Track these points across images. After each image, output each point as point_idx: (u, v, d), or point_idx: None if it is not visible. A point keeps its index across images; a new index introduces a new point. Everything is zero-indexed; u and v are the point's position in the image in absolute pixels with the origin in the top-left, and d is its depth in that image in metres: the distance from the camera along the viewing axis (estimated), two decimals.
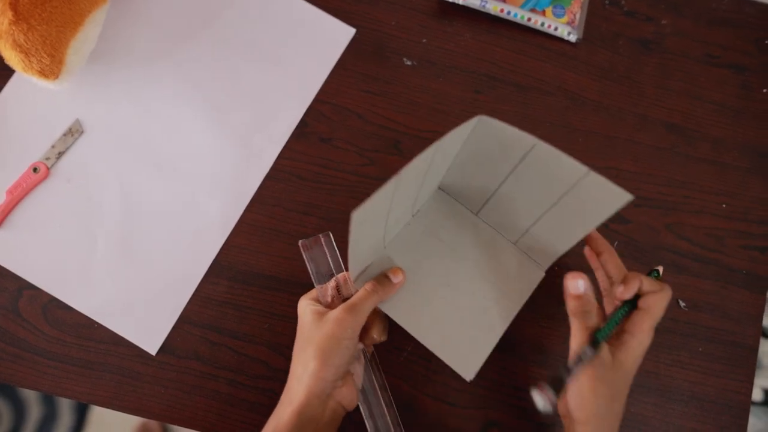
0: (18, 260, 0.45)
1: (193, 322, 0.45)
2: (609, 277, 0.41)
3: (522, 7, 0.50)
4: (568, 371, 0.35)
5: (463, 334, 0.42)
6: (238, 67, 0.49)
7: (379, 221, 0.38)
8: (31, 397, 0.94)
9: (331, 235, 0.43)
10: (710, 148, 0.51)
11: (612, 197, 0.37)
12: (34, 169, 0.46)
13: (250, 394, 0.44)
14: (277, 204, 0.48)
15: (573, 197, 0.39)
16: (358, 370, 0.40)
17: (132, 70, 0.49)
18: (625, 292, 0.38)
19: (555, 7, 0.51)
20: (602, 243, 0.42)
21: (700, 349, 0.47)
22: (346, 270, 0.41)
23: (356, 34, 0.50)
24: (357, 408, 0.41)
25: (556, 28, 0.50)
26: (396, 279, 0.40)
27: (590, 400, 0.36)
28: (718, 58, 0.53)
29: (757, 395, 0.92)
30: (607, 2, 0.53)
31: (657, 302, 0.37)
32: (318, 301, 0.40)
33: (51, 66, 0.42)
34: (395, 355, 0.45)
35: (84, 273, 0.45)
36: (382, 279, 0.40)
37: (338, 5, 0.51)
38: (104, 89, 0.48)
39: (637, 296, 0.38)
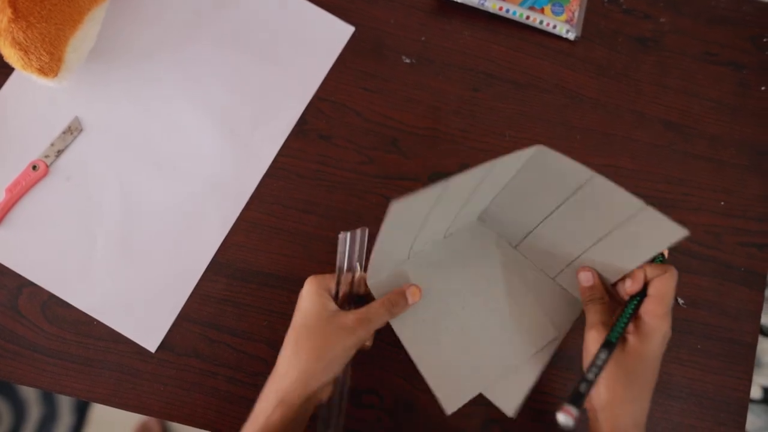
0: (17, 258, 0.45)
1: (192, 320, 0.45)
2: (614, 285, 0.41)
3: (521, 5, 0.50)
4: (587, 383, 0.35)
5: (496, 367, 0.42)
6: (237, 65, 0.49)
7: (413, 225, 0.38)
8: (30, 397, 0.94)
9: (367, 231, 0.42)
10: (708, 146, 0.51)
11: (666, 232, 0.36)
12: (34, 167, 0.46)
13: (249, 391, 0.44)
14: (275, 202, 0.48)
15: (623, 231, 0.38)
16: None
17: (131, 68, 0.49)
18: (632, 286, 0.38)
19: (554, 5, 0.51)
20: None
21: (699, 346, 0.47)
22: (364, 269, 0.41)
23: (355, 32, 0.50)
24: None
25: (554, 26, 0.51)
26: (412, 300, 0.40)
27: (607, 385, 0.36)
28: (716, 55, 0.53)
29: (756, 393, 0.92)
30: (605, 0, 0.53)
31: (664, 284, 0.37)
32: (328, 289, 0.39)
33: (50, 64, 0.42)
34: (395, 354, 0.45)
35: (83, 270, 0.45)
36: (399, 298, 0.39)
37: (337, 3, 0.51)
38: (103, 87, 0.48)
39: (646, 285, 0.39)
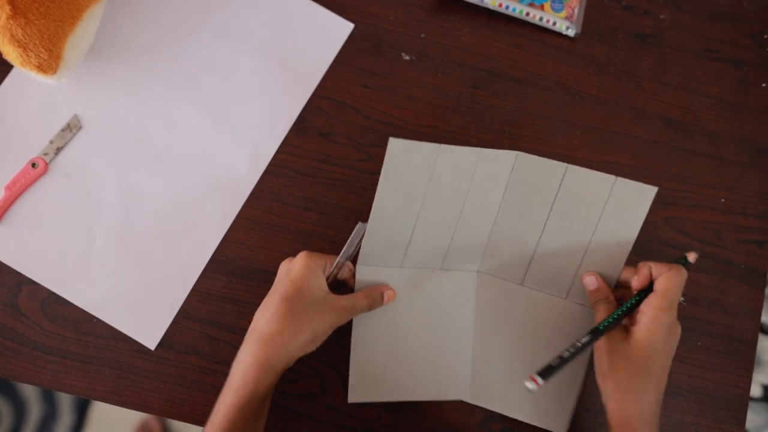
0: (17, 255, 0.45)
1: (191, 317, 0.45)
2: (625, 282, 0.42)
3: (521, 1, 0.50)
4: (561, 359, 0.37)
5: (430, 389, 0.44)
6: (237, 62, 0.49)
7: (408, 201, 0.41)
8: (31, 395, 0.94)
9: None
10: (708, 143, 0.51)
11: (641, 196, 0.41)
12: (33, 165, 0.46)
13: None
14: (275, 199, 0.48)
15: (608, 214, 0.42)
16: None
17: (130, 65, 0.49)
18: (637, 281, 0.40)
19: (553, 1, 0.51)
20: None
21: (699, 344, 0.47)
22: (353, 262, 0.42)
23: (354, 29, 0.50)
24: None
25: (554, 23, 0.51)
26: (387, 300, 0.42)
27: (608, 375, 0.38)
28: (716, 52, 0.53)
29: (755, 391, 0.92)
30: None
31: (668, 280, 0.38)
32: (323, 269, 0.40)
33: (49, 61, 0.42)
34: None
35: (83, 268, 0.45)
36: (378, 295, 0.42)
37: (337, 0, 0.51)
38: (102, 85, 0.48)
39: (653, 282, 0.40)
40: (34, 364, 0.44)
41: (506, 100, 0.50)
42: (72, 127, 0.47)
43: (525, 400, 0.44)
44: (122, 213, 0.46)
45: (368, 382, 0.43)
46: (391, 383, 0.43)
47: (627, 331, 0.39)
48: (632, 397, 0.37)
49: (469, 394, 0.44)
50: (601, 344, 0.39)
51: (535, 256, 0.44)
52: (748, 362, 0.47)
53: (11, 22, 0.40)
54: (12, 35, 0.40)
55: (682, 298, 0.48)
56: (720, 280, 0.48)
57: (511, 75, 0.51)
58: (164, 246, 0.46)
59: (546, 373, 0.36)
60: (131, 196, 0.47)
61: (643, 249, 0.48)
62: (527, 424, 0.44)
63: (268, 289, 0.46)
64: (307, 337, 0.38)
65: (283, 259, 0.46)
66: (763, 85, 0.52)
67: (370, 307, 0.41)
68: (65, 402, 0.94)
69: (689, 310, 0.48)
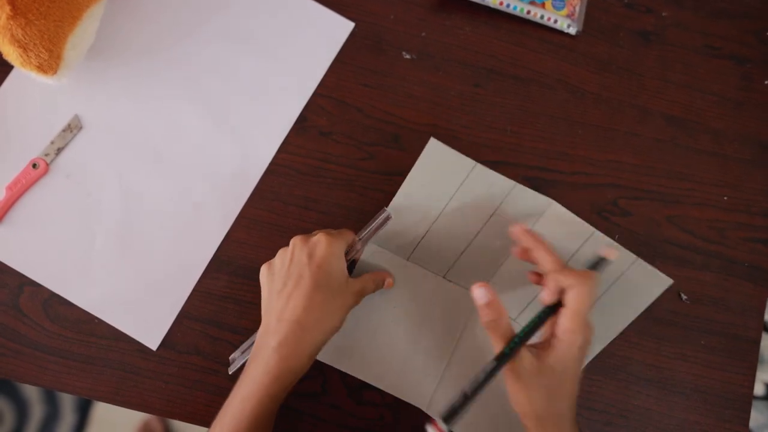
0: (18, 256, 0.45)
1: (193, 317, 0.45)
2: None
3: None
4: (465, 397, 0.34)
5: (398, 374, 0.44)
6: (237, 62, 0.49)
7: (430, 207, 0.43)
8: (33, 396, 0.94)
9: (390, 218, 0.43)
10: (711, 140, 0.51)
11: (652, 282, 0.43)
12: (34, 165, 0.46)
13: None
14: (276, 198, 0.47)
15: (619, 288, 0.43)
16: None
17: (130, 65, 0.48)
18: (547, 297, 0.36)
19: None
20: (527, 239, 0.40)
21: (702, 342, 0.47)
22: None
23: (355, 27, 0.50)
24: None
25: (555, 21, 0.50)
26: (386, 287, 0.44)
27: (525, 404, 0.35)
28: (718, 49, 0.52)
29: (759, 390, 0.92)
30: None
31: (579, 296, 0.35)
32: (345, 252, 0.40)
33: (49, 61, 0.42)
34: None
35: (84, 268, 0.45)
36: (380, 281, 0.43)
37: None
38: (103, 85, 0.48)
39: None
40: (36, 364, 0.44)
41: (508, 99, 0.50)
42: (73, 128, 0.47)
43: (486, 422, 0.42)
44: (123, 213, 0.46)
45: (339, 350, 0.44)
46: (359, 361, 0.44)
47: (537, 356, 0.35)
48: (550, 421, 0.35)
49: (426, 404, 0.44)
50: (512, 377, 0.35)
51: (534, 302, 0.44)
52: (751, 361, 0.47)
53: (11, 23, 0.40)
54: (12, 35, 0.40)
55: (685, 297, 0.48)
56: (724, 279, 0.48)
57: (513, 73, 0.51)
58: (165, 246, 0.46)
59: (450, 416, 0.33)
60: (132, 196, 0.47)
61: (647, 248, 0.48)
62: None
63: None
64: (338, 323, 0.38)
65: None
66: (766, 82, 0.52)
67: (374, 291, 0.42)
68: (67, 402, 0.94)
69: (693, 309, 0.47)
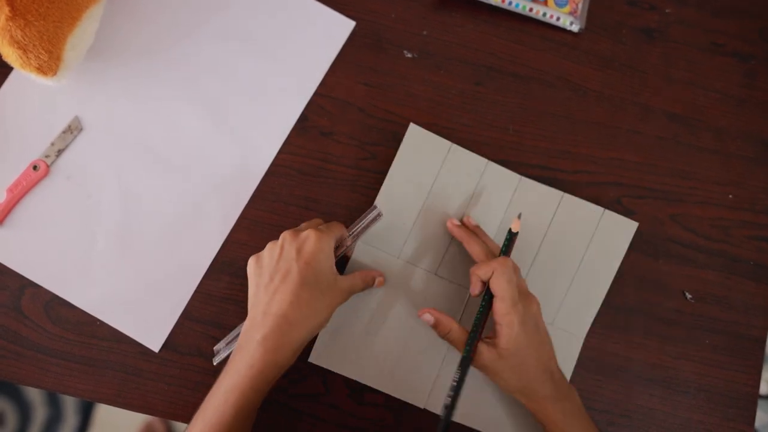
0: (19, 258, 0.45)
1: (195, 319, 0.45)
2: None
3: None
4: (447, 408, 0.38)
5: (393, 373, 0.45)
6: (237, 62, 0.49)
7: (416, 195, 0.45)
8: (36, 398, 0.94)
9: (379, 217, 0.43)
10: (714, 138, 0.50)
11: (623, 230, 0.46)
12: (34, 167, 0.46)
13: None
14: (277, 199, 0.47)
15: (596, 245, 0.46)
16: None
17: (130, 66, 0.48)
18: (473, 291, 0.41)
19: None
20: (458, 233, 0.44)
21: (707, 341, 0.47)
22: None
23: (356, 26, 0.50)
24: None
25: (558, 18, 0.50)
26: (377, 285, 0.44)
27: (503, 386, 0.40)
28: (722, 46, 0.52)
29: (764, 389, 0.92)
30: None
31: (497, 282, 0.39)
32: (333, 250, 0.40)
33: (49, 62, 0.42)
34: None
35: (86, 270, 0.45)
36: (370, 280, 0.43)
37: None
38: (102, 86, 0.48)
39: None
40: (38, 367, 0.44)
41: (509, 97, 0.50)
42: (73, 129, 0.47)
43: (486, 406, 0.44)
44: (124, 215, 0.46)
45: (332, 351, 0.44)
46: (353, 361, 0.44)
47: (493, 345, 0.39)
48: (532, 393, 0.39)
49: (424, 402, 0.44)
50: (482, 370, 0.40)
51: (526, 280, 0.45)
52: (756, 360, 0.46)
53: (11, 24, 0.40)
54: (11, 37, 0.40)
55: (690, 295, 0.47)
56: (728, 277, 0.48)
57: (514, 71, 0.50)
58: (167, 248, 0.46)
59: (443, 429, 0.37)
60: (133, 197, 0.46)
61: (651, 247, 0.48)
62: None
63: None
64: (324, 320, 0.38)
65: None
66: None
67: (363, 290, 0.42)
68: (70, 404, 0.94)
69: (697, 308, 0.47)
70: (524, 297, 0.40)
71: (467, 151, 0.46)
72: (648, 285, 0.47)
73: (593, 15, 0.51)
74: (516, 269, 0.41)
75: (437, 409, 0.43)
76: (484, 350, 0.39)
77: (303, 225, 0.43)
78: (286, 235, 0.40)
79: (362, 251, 0.45)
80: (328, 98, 0.49)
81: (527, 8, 0.50)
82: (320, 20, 0.50)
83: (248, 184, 0.47)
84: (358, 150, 0.48)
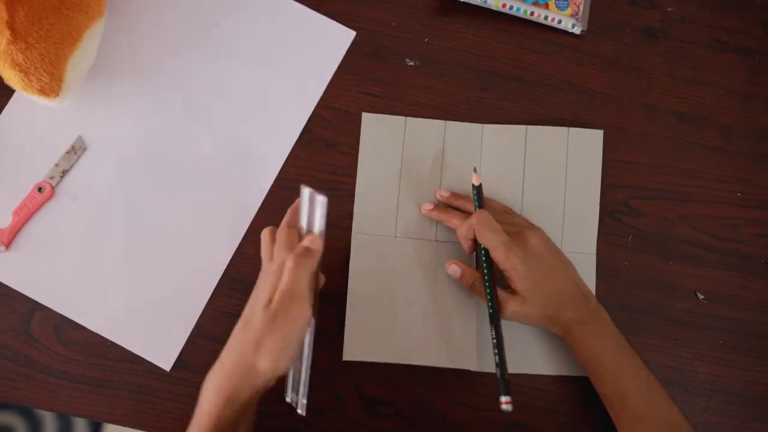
0: (28, 281, 0.45)
1: (206, 336, 0.45)
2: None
3: (525, 1, 0.49)
4: (500, 366, 0.39)
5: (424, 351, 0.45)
6: (239, 76, 0.49)
7: (390, 176, 0.46)
8: (46, 414, 0.94)
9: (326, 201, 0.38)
10: (720, 136, 0.50)
11: (592, 140, 0.48)
12: (39, 189, 0.46)
13: (267, 405, 0.44)
14: (285, 213, 0.47)
15: (573, 164, 0.48)
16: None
17: (131, 83, 0.48)
18: (466, 249, 0.43)
19: None
20: (435, 215, 0.45)
21: (721, 341, 0.46)
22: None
23: (356, 36, 0.50)
24: None
25: (560, 21, 0.50)
26: (321, 285, 0.41)
27: (536, 322, 0.42)
28: (725, 43, 0.52)
29: None
30: None
31: (481, 236, 0.41)
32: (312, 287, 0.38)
33: (51, 84, 0.42)
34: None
35: (95, 291, 0.45)
36: (315, 284, 0.39)
37: (337, 8, 0.50)
38: (104, 104, 0.48)
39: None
40: (49, 390, 0.44)
41: (515, 102, 0.49)
42: (77, 149, 0.47)
43: (528, 356, 0.45)
44: (131, 234, 0.46)
45: (363, 342, 0.44)
46: (388, 345, 0.44)
47: (512, 292, 0.41)
48: (561, 317, 0.40)
49: (476, 363, 0.44)
50: (513, 318, 0.41)
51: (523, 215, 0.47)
52: None
53: (11, 47, 0.39)
54: (13, 60, 0.40)
55: (702, 296, 0.47)
56: (740, 276, 0.47)
57: (519, 76, 0.50)
58: (175, 265, 0.45)
59: (504, 388, 0.39)
60: (139, 216, 0.46)
61: (660, 247, 0.48)
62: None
63: None
64: (296, 353, 0.37)
65: None
66: None
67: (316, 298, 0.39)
68: (80, 421, 0.94)
69: (709, 308, 0.47)
70: (518, 235, 0.41)
71: (423, 119, 0.47)
72: (659, 287, 0.47)
73: (595, 16, 0.51)
74: (504, 211, 0.44)
75: (486, 368, 0.44)
76: (507, 299, 0.41)
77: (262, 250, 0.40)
78: (268, 263, 0.38)
79: (360, 240, 0.46)
80: (331, 109, 0.49)
81: (528, 12, 0.49)
82: (320, 31, 0.49)
83: (255, 198, 0.47)
84: None
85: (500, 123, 0.49)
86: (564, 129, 0.48)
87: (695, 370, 0.46)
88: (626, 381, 0.39)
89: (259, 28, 0.49)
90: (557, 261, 0.42)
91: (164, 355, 0.44)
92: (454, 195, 0.46)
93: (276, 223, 0.47)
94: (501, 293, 0.41)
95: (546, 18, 0.50)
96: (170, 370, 0.44)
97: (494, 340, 0.40)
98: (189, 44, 0.49)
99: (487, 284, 0.41)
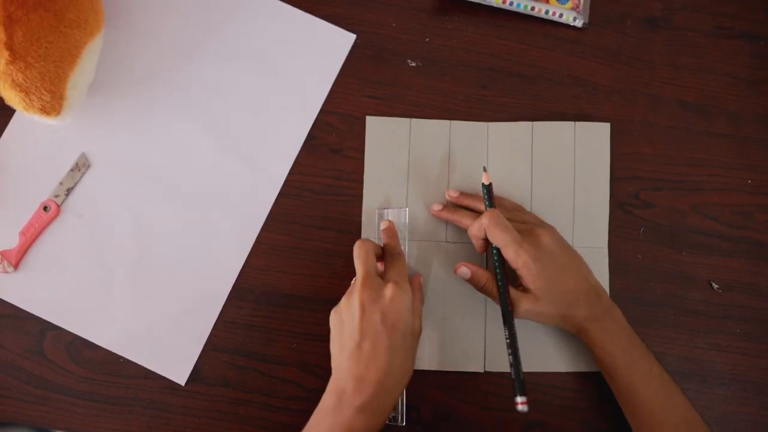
0: (38, 301, 0.45)
1: (219, 348, 0.45)
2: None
3: None
4: (514, 366, 0.39)
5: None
6: (240, 84, 0.48)
7: (398, 179, 0.46)
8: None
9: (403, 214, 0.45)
10: (728, 123, 0.49)
11: (599, 134, 0.48)
12: (45, 208, 0.45)
13: (284, 416, 0.44)
14: (292, 221, 0.47)
15: (581, 158, 0.47)
16: None
17: (132, 96, 0.48)
18: (478, 249, 0.43)
19: None
20: (444, 215, 0.45)
21: (738, 330, 0.46)
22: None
23: (357, 39, 0.49)
24: None
25: (560, 15, 0.49)
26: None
27: (550, 321, 0.42)
28: (728, 29, 0.51)
29: None
30: None
31: (492, 235, 0.40)
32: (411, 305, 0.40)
33: (52, 102, 0.42)
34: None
35: (105, 308, 0.45)
36: (419, 290, 0.42)
37: (337, 12, 0.49)
38: (106, 120, 0.47)
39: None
40: (64, 409, 0.44)
41: (517, 98, 0.49)
42: (80, 166, 0.46)
43: (542, 354, 0.45)
44: (139, 249, 0.46)
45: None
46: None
47: (525, 290, 0.40)
48: (574, 314, 0.40)
49: (483, 366, 0.44)
50: (526, 317, 0.41)
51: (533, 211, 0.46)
52: None
53: (11, 67, 0.39)
54: (13, 80, 0.40)
55: (716, 285, 0.47)
56: (754, 264, 0.47)
57: (520, 71, 0.50)
58: (185, 278, 0.45)
59: (519, 388, 0.38)
60: (147, 230, 0.46)
61: (673, 238, 0.47)
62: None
63: (294, 313, 0.45)
64: (412, 370, 0.39)
65: (306, 282, 0.45)
66: None
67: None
68: None
69: (724, 297, 0.47)
70: (529, 233, 0.40)
71: (428, 120, 0.47)
72: (673, 278, 0.47)
73: (596, 9, 0.51)
74: (514, 208, 0.44)
75: (494, 368, 0.44)
76: (520, 298, 0.40)
77: (359, 263, 0.40)
78: (364, 295, 0.37)
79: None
80: (334, 114, 0.48)
81: (529, 7, 0.49)
82: (320, 36, 0.49)
83: (261, 207, 0.47)
84: None
85: (501, 120, 0.48)
86: (570, 123, 0.47)
87: (713, 360, 0.46)
88: (639, 377, 0.39)
89: (258, 36, 0.49)
90: (569, 258, 0.41)
91: (178, 370, 0.44)
92: (464, 195, 0.45)
93: (282, 229, 0.46)
94: (513, 292, 0.41)
95: (547, 12, 0.49)
96: (185, 385, 0.44)
97: (507, 340, 0.40)
98: (188, 53, 0.48)
99: (499, 283, 0.41)
